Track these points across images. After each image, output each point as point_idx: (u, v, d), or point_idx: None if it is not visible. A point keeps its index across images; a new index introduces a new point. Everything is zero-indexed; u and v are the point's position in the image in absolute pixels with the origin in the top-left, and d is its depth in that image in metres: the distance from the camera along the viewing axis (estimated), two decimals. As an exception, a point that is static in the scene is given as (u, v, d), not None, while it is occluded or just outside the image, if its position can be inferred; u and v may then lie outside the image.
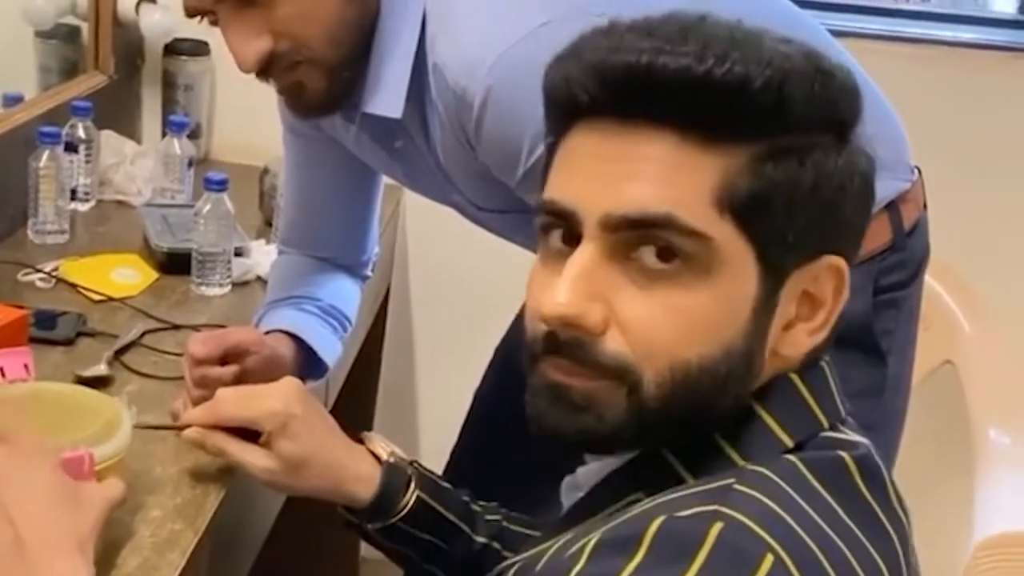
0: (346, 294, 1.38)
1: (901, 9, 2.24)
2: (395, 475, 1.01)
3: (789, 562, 0.64)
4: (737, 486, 0.68)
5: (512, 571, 0.77)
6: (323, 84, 1.10)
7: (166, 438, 1.14)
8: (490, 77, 1.02)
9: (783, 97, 0.68)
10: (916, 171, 1.25)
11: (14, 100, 1.77)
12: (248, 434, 1.01)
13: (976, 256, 1.89)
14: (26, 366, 1.07)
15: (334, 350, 1.31)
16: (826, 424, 0.74)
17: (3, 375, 1.05)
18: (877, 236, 1.18)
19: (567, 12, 0.97)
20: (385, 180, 1.40)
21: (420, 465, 1.04)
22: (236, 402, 1.01)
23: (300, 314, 1.30)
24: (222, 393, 1.03)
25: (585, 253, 0.70)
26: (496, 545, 1.03)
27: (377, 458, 1.02)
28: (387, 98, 1.10)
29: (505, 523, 1.05)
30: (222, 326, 1.37)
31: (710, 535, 0.64)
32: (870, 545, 0.70)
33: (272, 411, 0.99)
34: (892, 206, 1.19)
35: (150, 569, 0.97)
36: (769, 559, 0.64)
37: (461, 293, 2.13)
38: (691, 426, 0.72)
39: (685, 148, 0.69)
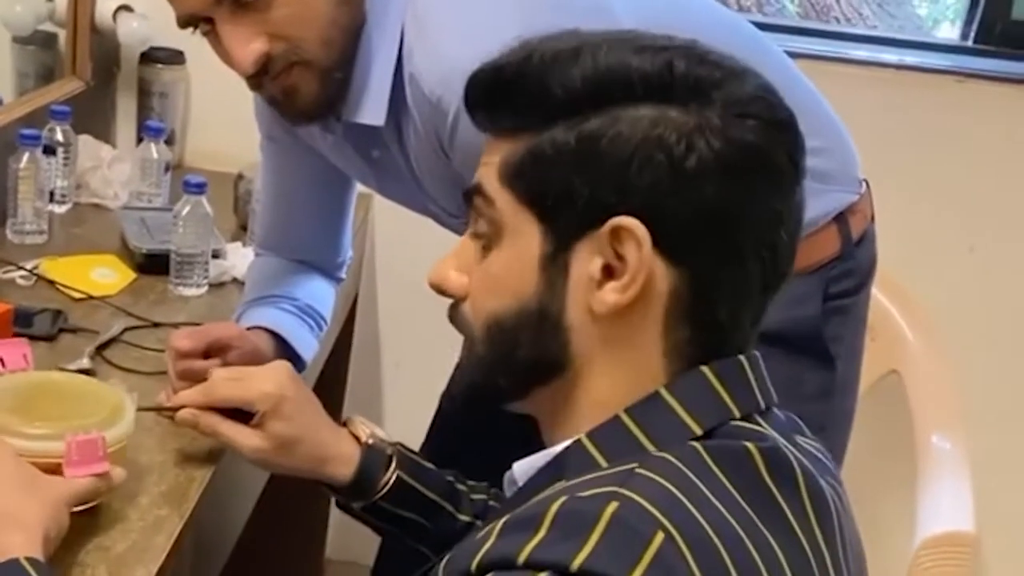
0: (321, 294, 1.43)
1: (852, 33, 2.34)
2: (374, 456, 1.06)
3: (680, 541, 0.68)
4: (639, 470, 0.72)
5: (443, 562, 0.80)
6: (316, 87, 1.14)
7: (152, 428, 1.19)
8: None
9: (543, 90, 0.77)
10: (864, 184, 1.31)
11: (-7, 103, 1.80)
12: (239, 414, 1.06)
13: (919, 268, 1.95)
14: (25, 356, 1.11)
15: (311, 347, 1.36)
16: (737, 413, 0.77)
17: (3, 365, 1.09)
18: (826, 246, 1.23)
19: (540, 27, 1.03)
20: (358, 188, 1.44)
21: (403, 447, 1.09)
22: (230, 384, 1.06)
23: (278, 312, 1.35)
24: (216, 374, 1.08)
25: (465, 237, 0.84)
26: (480, 523, 1.07)
27: (359, 440, 1.07)
28: (370, 106, 1.15)
29: (492, 502, 1.10)
30: (200, 324, 1.41)
31: (605, 513, 0.68)
32: (771, 537, 0.73)
33: (265, 392, 1.04)
34: (841, 217, 1.24)
35: (139, 552, 1.02)
36: (660, 536, 0.68)
37: (428, 301, 2.15)
38: (512, 374, 0.82)
39: (496, 140, 0.81)
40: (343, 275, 1.51)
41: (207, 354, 1.20)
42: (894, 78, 2.07)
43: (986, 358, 2.08)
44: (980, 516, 1.68)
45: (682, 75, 0.77)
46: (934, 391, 1.84)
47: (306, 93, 1.15)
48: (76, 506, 0.96)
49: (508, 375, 0.82)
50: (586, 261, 0.77)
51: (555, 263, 0.78)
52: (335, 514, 2.27)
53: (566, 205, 0.77)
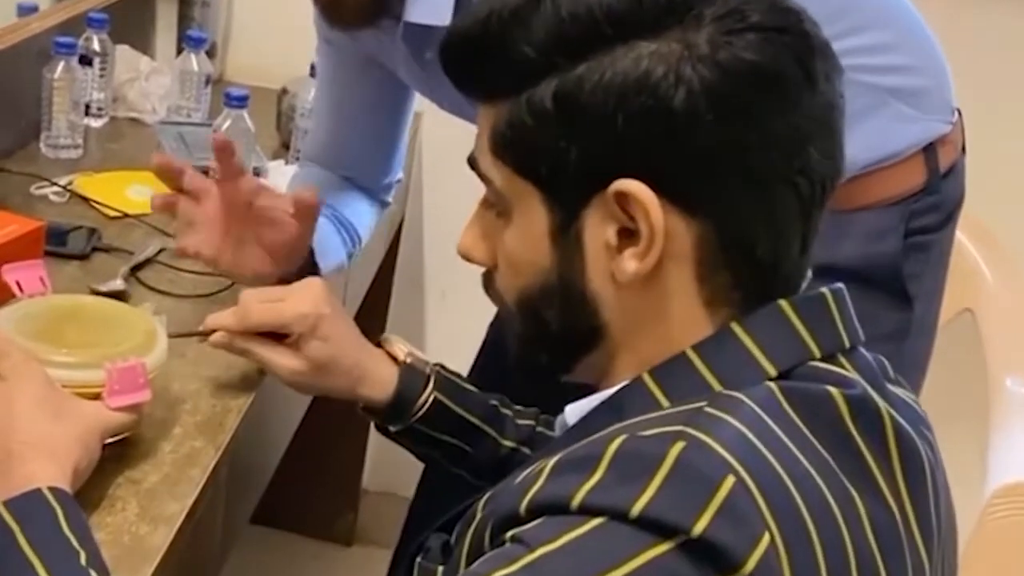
0: (361, 212, 1.36)
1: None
2: (411, 377, 1.01)
3: (752, 485, 0.62)
4: (708, 408, 0.66)
5: (483, 499, 0.76)
6: None
7: (185, 354, 1.12)
8: None
9: (506, 51, 0.71)
10: (957, 113, 1.22)
11: (28, 10, 1.72)
12: (274, 334, 1.00)
13: (1002, 205, 1.85)
14: (42, 279, 1.04)
15: (336, 257, 1.27)
16: (818, 353, 0.71)
17: (20, 289, 1.02)
18: (911, 177, 1.16)
19: None
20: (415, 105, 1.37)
21: (443, 367, 1.03)
22: (264, 307, 1.00)
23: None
24: (248, 297, 1.02)
25: (479, 203, 0.79)
26: (525, 450, 1.02)
27: (396, 360, 1.02)
28: (431, 4, 1.08)
29: (539, 428, 1.04)
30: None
31: (670, 455, 0.62)
32: (852, 490, 0.67)
33: (302, 313, 0.99)
34: (930, 148, 1.17)
35: (171, 485, 0.96)
36: (730, 480, 0.62)
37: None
38: (551, 350, 0.77)
39: (482, 109, 0.75)
40: (389, 199, 1.45)
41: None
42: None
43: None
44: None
45: (652, 0, 0.68)
46: (1010, 332, 1.75)
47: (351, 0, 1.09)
48: (109, 438, 0.91)
49: (547, 351, 0.78)
50: (598, 228, 0.71)
51: (566, 234, 0.72)
52: (373, 444, 2.26)
53: (560, 172, 0.71)
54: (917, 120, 1.15)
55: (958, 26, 1.79)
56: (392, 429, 1.02)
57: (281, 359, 1.00)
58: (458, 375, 1.04)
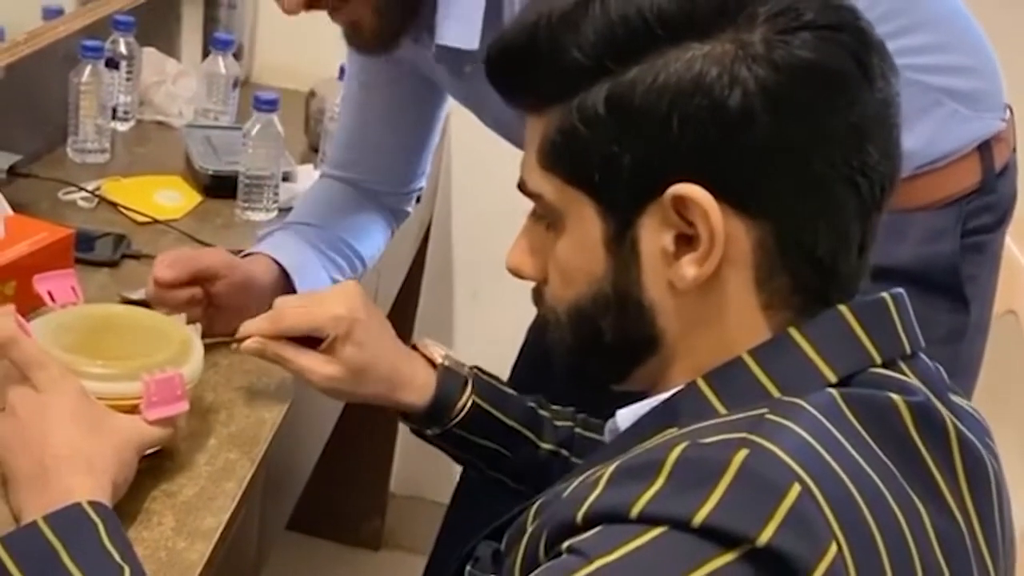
0: (366, 232, 1.33)
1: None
2: (450, 380, 0.99)
3: (819, 494, 0.61)
4: (769, 415, 0.65)
5: (534, 507, 0.74)
6: (375, 20, 1.08)
7: (219, 363, 1.10)
8: None
9: (556, 56, 0.69)
10: (1008, 110, 1.20)
11: (54, 13, 1.71)
12: (307, 342, 0.98)
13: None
14: (73, 288, 1.02)
15: (316, 281, 1.24)
16: (879, 359, 0.69)
17: (53, 299, 1.00)
18: (966, 176, 1.14)
19: None
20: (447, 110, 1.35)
21: (480, 370, 1.02)
22: (298, 311, 0.98)
23: (296, 241, 1.25)
24: (282, 302, 1.00)
25: (528, 217, 0.78)
26: (565, 452, 1.01)
27: (432, 363, 1.00)
28: (461, 28, 1.07)
29: (578, 429, 1.02)
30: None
31: (734, 462, 0.61)
32: (917, 499, 0.66)
33: (336, 316, 0.97)
34: (985, 146, 1.15)
35: (207, 498, 0.95)
36: (796, 489, 0.60)
37: (507, 227, 2.07)
38: (604, 360, 0.76)
39: (530, 119, 0.74)
40: (410, 209, 1.42)
41: (193, 283, 1.11)
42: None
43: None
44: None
45: (704, 1, 0.66)
46: (1054, 335, 1.71)
47: (368, 28, 1.09)
48: (145, 451, 0.89)
49: (600, 361, 0.77)
50: (655, 235, 0.70)
51: (621, 243, 0.71)
52: (400, 448, 2.24)
53: (613, 178, 0.69)
54: (971, 120, 1.13)
55: (1007, 23, 1.76)
56: (430, 433, 1.00)
57: (315, 365, 0.97)
58: (496, 378, 1.02)
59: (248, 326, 0.99)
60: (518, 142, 1.20)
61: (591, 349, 0.76)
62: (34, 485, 0.80)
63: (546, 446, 1.01)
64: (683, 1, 0.67)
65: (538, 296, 0.79)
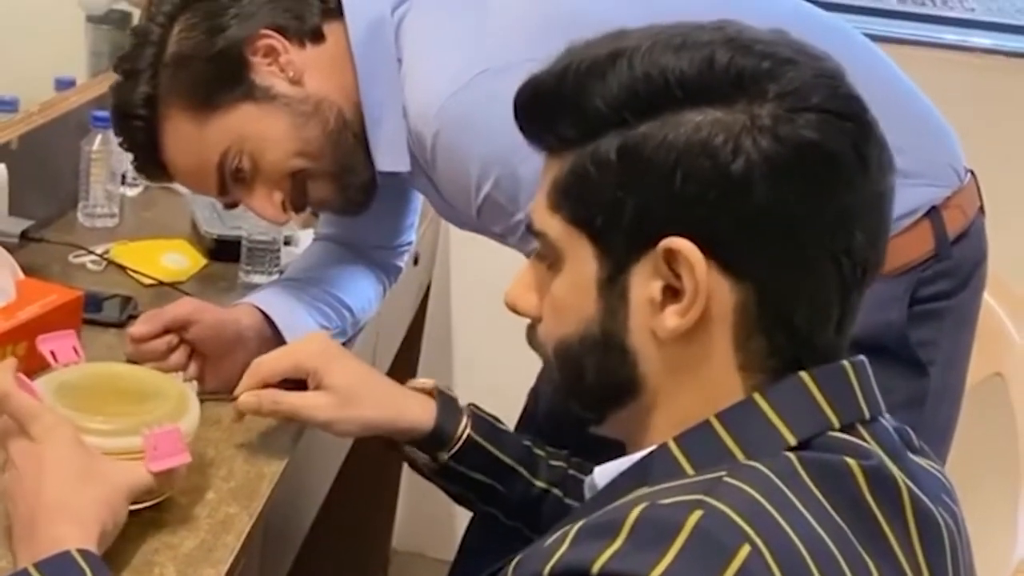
0: (352, 282, 1.38)
1: (943, 16, 2.23)
2: (448, 403, 1.04)
3: (767, 554, 0.63)
4: (727, 478, 0.68)
5: (514, 562, 0.76)
6: (334, 190, 1.20)
7: (220, 420, 1.14)
8: (437, 122, 1.12)
9: (580, 104, 0.73)
10: (969, 174, 1.21)
11: (66, 84, 1.77)
12: (296, 388, 1.04)
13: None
14: (75, 348, 1.06)
15: (301, 324, 1.28)
16: (837, 423, 0.72)
17: (55, 359, 1.04)
18: (917, 245, 1.15)
19: (507, 61, 1.05)
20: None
21: (476, 407, 1.06)
22: (274, 354, 1.06)
23: (279, 291, 1.30)
24: (257, 359, 1.06)
25: (531, 256, 0.81)
26: (557, 492, 1.04)
27: (426, 392, 1.05)
28: (392, 155, 1.18)
29: (571, 471, 1.05)
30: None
31: (688, 523, 0.64)
32: (868, 558, 0.68)
33: (311, 351, 1.05)
34: (933, 213, 1.15)
35: (207, 550, 0.98)
36: (745, 549, 0.63)
37: (502, 294, 2.10)
38: (584, 400, 0.79)
39: (548, 160, 0.77)
40: (401, 263, 1.48)
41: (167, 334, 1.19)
42: (991, 63, 1.96)
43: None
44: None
45: (723, 70, 0.71)
46: (1040, 396, 1.74)
47: (334, 199, 1.22)
48: (135, 500, 0.93)
49: (580, 401, 0.80)
50: (645, 284, 0.73)
51: (613, 287, 0.74)
52: (402, 505, 2.25)
53: (614, 223, 0.73)
54: (916, 186, 1.13)
55: (984, 89, 1.82)
56: (434, 463, 1.04)
57: (307, 399, 1.03)
58: (492, 416, 1.06)
59: (238, 389, 1.05)
60: (459, 225, 1.31)
61: (573, 387, 0.78)
62: (28, 533, 0.85)
63: (539, 484, 1.04)
64: (704, 69, 0.71)
65: (531, 333, 0.82)
